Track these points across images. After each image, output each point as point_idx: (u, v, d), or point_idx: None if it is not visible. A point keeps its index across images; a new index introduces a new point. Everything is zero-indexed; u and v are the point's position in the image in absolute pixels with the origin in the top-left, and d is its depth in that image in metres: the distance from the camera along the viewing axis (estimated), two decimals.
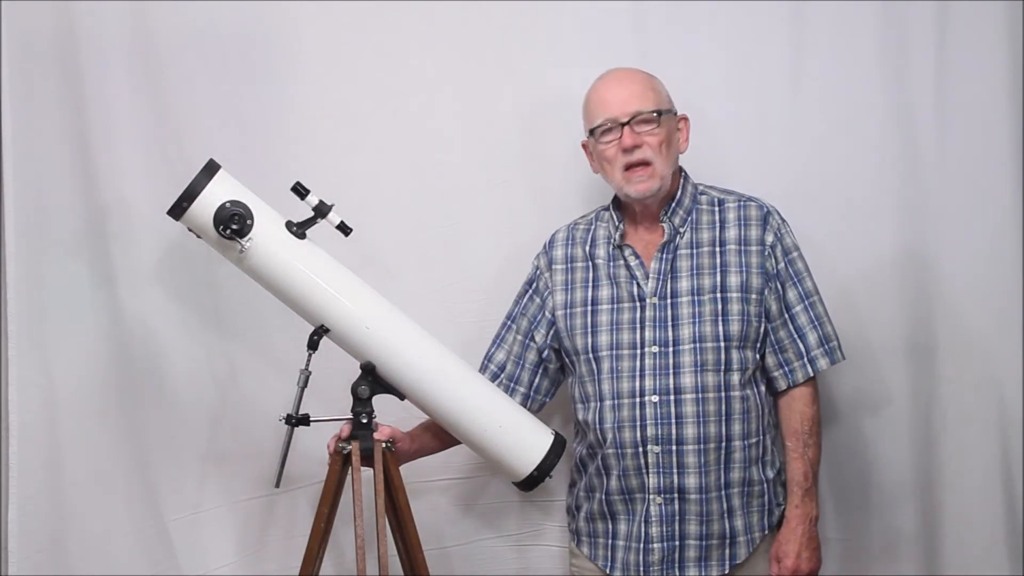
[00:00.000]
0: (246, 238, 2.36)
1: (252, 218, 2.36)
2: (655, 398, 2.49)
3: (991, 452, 2.60)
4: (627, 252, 2.57)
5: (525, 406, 2.63)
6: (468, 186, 2.84)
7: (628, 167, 2.50)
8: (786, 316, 2.54)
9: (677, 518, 2.49)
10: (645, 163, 2.49)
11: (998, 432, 2.59)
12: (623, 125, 2.49)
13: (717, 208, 2.58)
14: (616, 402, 2.51)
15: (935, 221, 2.67)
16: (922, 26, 2.67)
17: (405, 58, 2.82)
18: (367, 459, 2.42)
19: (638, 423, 2.49)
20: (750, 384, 2.53)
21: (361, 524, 2.37)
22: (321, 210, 2.43)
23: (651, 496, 2.50)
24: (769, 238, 2.54)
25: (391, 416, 2.56)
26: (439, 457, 2.68)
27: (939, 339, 2.67)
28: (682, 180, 2.60)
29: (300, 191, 2.43)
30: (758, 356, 2.54)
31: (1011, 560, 2.56)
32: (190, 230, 2.42)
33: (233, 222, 2.34)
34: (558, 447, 2.55)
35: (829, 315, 2.57)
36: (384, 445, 2.43)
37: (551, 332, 2.63)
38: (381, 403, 2.48)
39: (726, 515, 2.50)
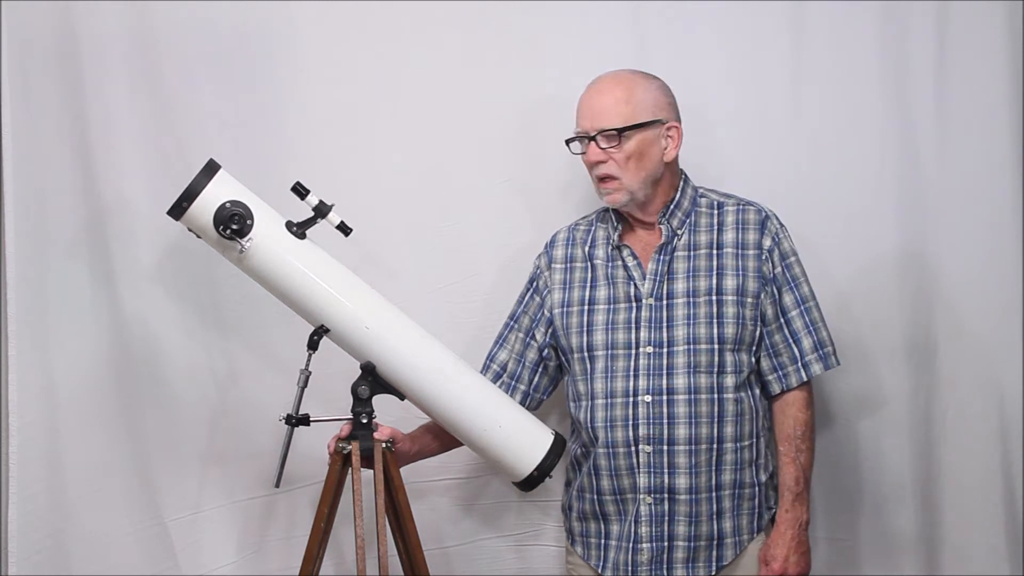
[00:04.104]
0: (246, 238, 2.36)
1: (252, 218, 2.36)
2: (648, 398, 2.49)
3: (991, 452, 2.59)
4: (625, 253, 2.58)
5: (524, 404, 2.63)
6: (468, 186, 2.84)
7: (599, 179, 2.52)
8: (782, 320, 2.55)
9: (666, 519, 2.49)
10: (612, 177, 2.50)
11: (998, 432, 2.58)
12: (591, 139, 2.50)
13: (716, 211, 2.58)
14: (609, 401, 2.52)
15: (935, 221, 2.67)
16: (922, 26, 2.66)
17: (405, 58, 2.82)
18: (367, 459, 2.42)
19: (630, 422, 2.49)
20: (744, 387, 2.53)
21: (361, 524, 2.37)
22: (321, 210, 2.43)
23: (641, 496, 2.50)
24: (767, 242, 2.54)
25: (391, 416, 2.56)
26: (439, 457, 2.68)
27: (939, 339, 2.67)
28: (682, 183, 2.59)
29: (300, 191, 2.43)
30: (753, 359, 2.55)
31: (1011, 560, 2.56)
32: (190, 230, 2.41)
33: (233, 222, 2.34)
34: (558, 447, 2.55)
35: (825, 322, 2.57)
36: (384, 445, 2.43)
37: (550, 330, 2.63)
38: (381, 403, 2.48)
39: (715, 517, 2.50)
